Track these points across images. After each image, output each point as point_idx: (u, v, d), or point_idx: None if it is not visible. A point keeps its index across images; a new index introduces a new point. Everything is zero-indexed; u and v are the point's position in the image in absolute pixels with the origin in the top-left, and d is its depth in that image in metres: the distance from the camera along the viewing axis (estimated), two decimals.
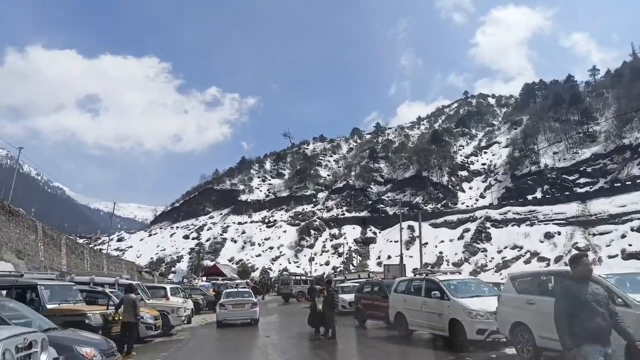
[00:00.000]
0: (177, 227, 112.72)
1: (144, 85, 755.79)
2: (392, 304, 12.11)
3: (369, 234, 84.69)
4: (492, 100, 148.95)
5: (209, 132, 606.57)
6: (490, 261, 64.67)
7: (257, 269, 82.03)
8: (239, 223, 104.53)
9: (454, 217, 77.76)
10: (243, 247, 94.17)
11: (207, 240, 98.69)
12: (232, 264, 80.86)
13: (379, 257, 75.16)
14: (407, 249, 75.61)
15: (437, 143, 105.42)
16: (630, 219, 57.63)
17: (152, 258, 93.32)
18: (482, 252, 66.94)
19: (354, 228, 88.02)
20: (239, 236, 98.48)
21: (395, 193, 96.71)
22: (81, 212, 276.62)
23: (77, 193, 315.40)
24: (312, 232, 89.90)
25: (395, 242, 78.77)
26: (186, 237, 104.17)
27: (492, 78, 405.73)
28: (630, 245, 53.72)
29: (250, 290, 22.13)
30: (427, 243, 74.69)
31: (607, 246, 56.35)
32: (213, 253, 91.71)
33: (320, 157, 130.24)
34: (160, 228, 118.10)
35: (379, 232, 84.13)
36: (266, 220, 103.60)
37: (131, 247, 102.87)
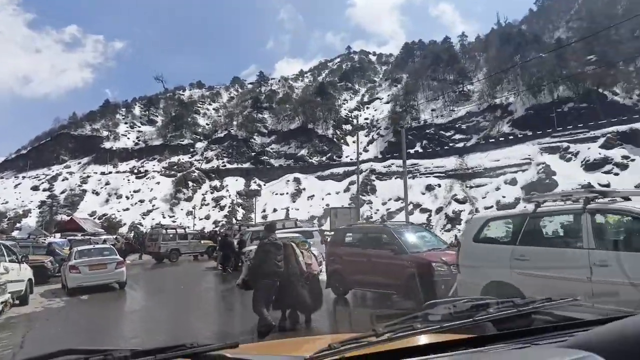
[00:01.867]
0: (24, 177, 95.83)
1: None
2: (468, 265, 6.58)
3: (253, 187, 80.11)
4: (373, 58, 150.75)
5: (66, 75, 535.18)
6: (376, 213, 64.78)
7: (125, 224, 72.83)
8: (102, 173, 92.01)
9: (340, 170, 76.66)
10: (107, 200, 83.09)
11: (62, 193, 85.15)
12: (94, 218, 70.61)
13: (264, 211, 71.31)
14: (294, 202, 73.12)
15: (322, 96, 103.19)
16: (504, 172, 61.34)
17: None
18: (367, 204, 66.72)
19: (236, 180, 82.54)
20: (102, 188, 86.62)
21: (280, 145, 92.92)
22: None
23: None
24: (190, 184, 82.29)
25: (281, 194, 75.72)
26: (35, 188, 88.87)
27: (367, 40, 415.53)
28: (504, 197, 57.00)
29: (113, 247, 17.81)
30: (313, 195, 73.00)
31: (483, 198, 59.40)
32: (70, 207, 79.35)
33: (199, 105, 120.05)
34: (1, 178, 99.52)
35: (264, 185, 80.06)
36: (135, 171, 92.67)
37: None
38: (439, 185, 65.26)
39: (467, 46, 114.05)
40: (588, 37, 58.33)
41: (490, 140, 69.83)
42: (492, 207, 56.54)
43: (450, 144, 76.50)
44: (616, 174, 50.81)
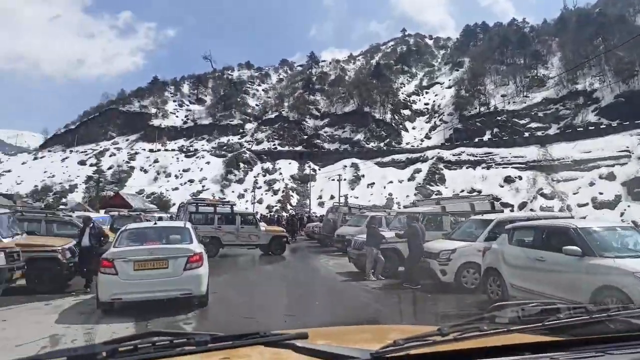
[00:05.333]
0: (71, 152, 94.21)
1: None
2: None
3: (307, 171, 75.16)
4: (430, 42, 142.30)
5: (118, 60, 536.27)
6: None
7: (174, 204, 69.28)
8: (151, 150, 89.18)
9: (402, 157, 70.57)
10: (156, 179, 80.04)
11: (109, 169, 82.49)
12: (143, 196, 67.31)
13: (320, 197, 66.19)
14: (352, 189, 67.69)
15: (377, 78, 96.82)
16: (597, 165, 53.70)
17: (36, 186, 76.09)
18: (436, 194, 60.50)
19: (289, 163, 77.63)
20: (150, 166, 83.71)
21: (333, 128, 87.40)
22: None
23: None
24: (242, 165, 78.06)
25: (337, 180, 70.37)
26: (82, 162, 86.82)
27: (414, 29, 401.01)
28: (601, 193, 49.74)
29: (189, 227, 9.02)
30: (373, 183, 67.40)
31: (574, 194, 52.13)
32: (117, 183, 76.49)
33: (248, 85, 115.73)
34: (49, 151, 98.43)
35: (319, 170, 74.87)
36: (184, 150, 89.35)
37: (9, 171, 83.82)
38: (520, 178, 58.24)
39: (537, 29, 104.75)
40: None
41: (579, 129, 61.92)
42: (586, 204, 49.49)
43: (528, 133, 68.91)
44: None
